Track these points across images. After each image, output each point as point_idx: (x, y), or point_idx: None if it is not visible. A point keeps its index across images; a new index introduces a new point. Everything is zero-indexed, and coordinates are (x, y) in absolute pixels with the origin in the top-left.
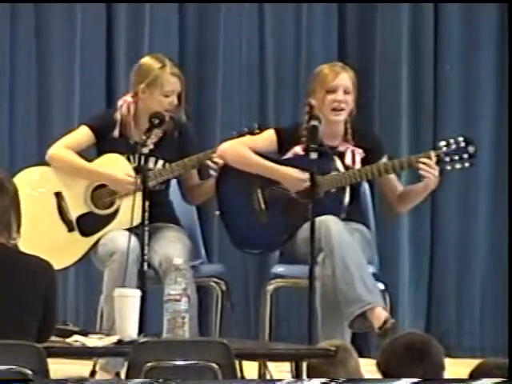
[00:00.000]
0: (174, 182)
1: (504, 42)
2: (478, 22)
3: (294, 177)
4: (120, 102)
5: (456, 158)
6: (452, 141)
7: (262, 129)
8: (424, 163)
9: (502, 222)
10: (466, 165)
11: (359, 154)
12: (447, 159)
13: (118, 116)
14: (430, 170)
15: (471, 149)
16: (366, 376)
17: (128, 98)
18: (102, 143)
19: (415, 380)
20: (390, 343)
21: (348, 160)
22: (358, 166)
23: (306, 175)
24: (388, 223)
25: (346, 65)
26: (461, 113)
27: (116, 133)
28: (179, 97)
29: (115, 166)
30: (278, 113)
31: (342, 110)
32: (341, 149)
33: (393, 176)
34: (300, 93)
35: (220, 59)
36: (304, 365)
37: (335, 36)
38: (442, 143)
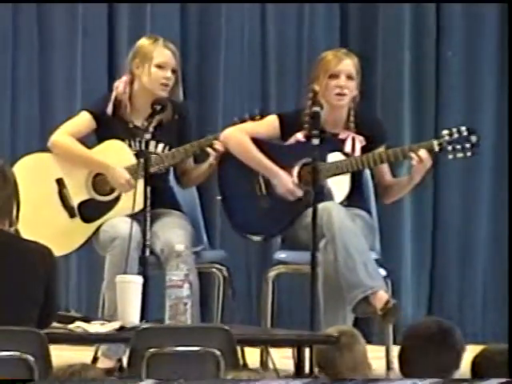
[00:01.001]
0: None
1: (505, 30)
2: (479, 11)
3: (286, 186)
4: (116, 83)
5: (458, 147)
6: (455, 130)
7: (263, 115)
8: (420, 157)
9: (504, 209)
10: (468, 154)
11: (360, 141)
12: (449, 148)
13: (113, 95)
14: (422, 163)
15: (474, 138)
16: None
17: (124, 78)
18: (103, 128)
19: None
20: (416, 326)
21: (348, 147)
22: (357, 153)
23: (299, 191)
24: (390, 210)
25: (350, 51)
26: (463, 100)
27: (109, 110)
28: (175, 74)
29: (116, 153)
30: (280, 99)
31: (344, 95)
32: (341, 136)
33: (384, 166)
34: (302, 79)
35: (222, 47)
36: (306, 351)
37: (337, 23)
38: (445, 132)
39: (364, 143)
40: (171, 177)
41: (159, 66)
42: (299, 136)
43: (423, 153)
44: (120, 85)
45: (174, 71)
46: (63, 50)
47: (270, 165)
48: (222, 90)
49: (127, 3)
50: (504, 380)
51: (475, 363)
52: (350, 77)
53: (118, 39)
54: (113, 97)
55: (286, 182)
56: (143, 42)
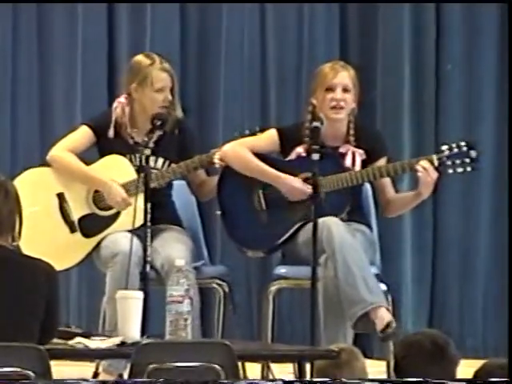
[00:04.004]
0: (176, 183)
1: (505, 40)
2: (479, 21)
3: (295, 187)
4: (115, 104)
5: (458, 162)
6: (454, 145)
7: (263, 130)
8: (424, 167)
9: (504, 222)
10: (468, 169)
11: (360, 155)
12: (449, 163)
13: (113, 118)
14: (428, 174)
15: (473, 153)
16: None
17: (122, 99)
18: (103, 143)
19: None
20: (412, 337)
21: (348, 162)
22: (357, 167)
23: (308, 187)
24: (390, 224)
25: (348, 64)
26: (463, 113)
27: (111, 133)
28: (172, 92)
29: (117, 168)
30: (280, 112)
31: (341, 108)
32: (341, 150)
33: (386, 180)
34: (302, 92)
35: (222, 59)
36: (307, 366)
37: (337, 35)
38: (445, 147)
39: (364, 157)
40: (174, 192)
41: (158, 91)
42: (300, 150)
43: (425, 163)
44: (118, 107)
45: (171, 90)
46: (63, 62)
47: (273, 172)
48: (222, 103)
49: (127, 16)
50: None
51: (476, 378)
52: (346, 89)
53: (118, 52)
54: (113, 119)
55: (293, 183)
56: (139, 63)
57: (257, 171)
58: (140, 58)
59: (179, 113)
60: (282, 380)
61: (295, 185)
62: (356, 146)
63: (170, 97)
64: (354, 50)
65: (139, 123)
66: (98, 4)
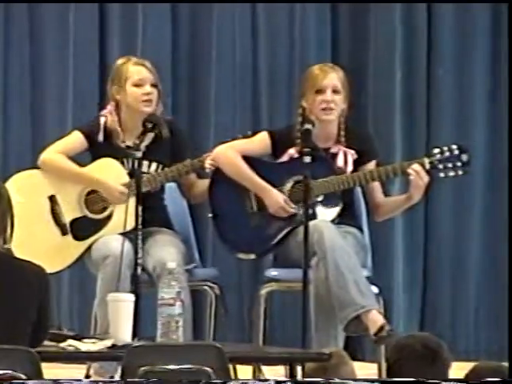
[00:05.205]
0: (168, 186)
1: (497, 45)
2: (471, 25)
3: (278, 203)
4: (103, 113)
5: (449, 165)
6: (446, 148)
7: (255, 133)
8: (415, 170)
9: (497, 225)
10: (460, 173)
11: (351, 155)
12: (440, 166)
13: (102, 124)
14: (420, 177)
15: (465, 157)
16: None
17: (108, 108)
18: (95, 148)
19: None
20: (403, 340)
21: (340, 162)
22: (349, 167)
23: (290, 207)
24: (382, 227)
25: (337, 65)
26: (454, 117)
27: (100, 137)
28: (156, 88)
29: (109, 172)
30: (272, 116)
31: (331, 109)
32: (333, 150)
33: (375, 183)
34: (293, 96)
35: (213, 63)
36: (298, 368)
37: (329, 39)
38: (436, 150)
39: (356, 157)
40: (167, 195)
41: (136, 85)
42: (292, 151)
43: (417, 166)
44: (108, 116)
45: (153, 85)
46: (55, 65)
47: (260, 183)
48: (214, 107)
49: (118, 18)
50: None
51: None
52: (335, 91)
53: (110, 55)
54: (102, 127)
55: (277, 199)
56: (116, 64)
57: (245, 179)
58: (118, 61)
59: (159, 112)
60: (275, 380)
61: (278, 201)
62: (347, 147)
63: (148, 89)
64: (346, 54)
65: (129, 126)
66: (90, 9)
